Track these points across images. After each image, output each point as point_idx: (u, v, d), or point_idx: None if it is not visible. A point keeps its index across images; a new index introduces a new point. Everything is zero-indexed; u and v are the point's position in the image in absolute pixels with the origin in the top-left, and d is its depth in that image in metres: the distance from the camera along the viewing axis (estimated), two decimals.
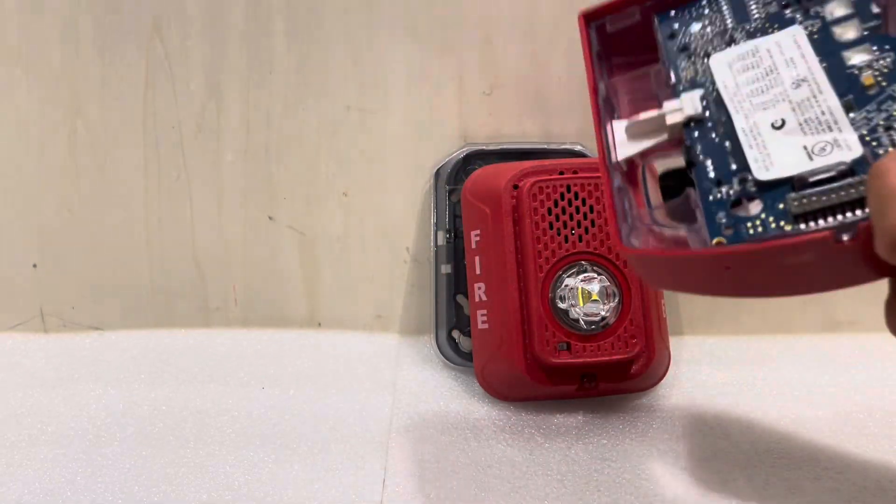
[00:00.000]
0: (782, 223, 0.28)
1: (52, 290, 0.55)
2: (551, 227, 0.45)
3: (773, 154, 0.29)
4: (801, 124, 0.29)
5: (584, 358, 0.45)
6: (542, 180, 0.46)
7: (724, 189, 0.29)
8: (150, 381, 0.50)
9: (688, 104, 0.31)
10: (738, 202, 0.29)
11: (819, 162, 0.28)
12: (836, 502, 0.40)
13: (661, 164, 0.34)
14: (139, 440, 0.44)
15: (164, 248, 0.54)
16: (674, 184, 0.32)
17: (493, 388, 0.48)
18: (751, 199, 0.29)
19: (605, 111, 0.33)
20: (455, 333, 0.52)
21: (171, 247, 0.54)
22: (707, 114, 0.31)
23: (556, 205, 0.46)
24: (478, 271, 0.47)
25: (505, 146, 0.52)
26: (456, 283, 0.52)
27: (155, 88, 0.53)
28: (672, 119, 0.31)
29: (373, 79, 0.53)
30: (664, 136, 0.32)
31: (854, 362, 0.52)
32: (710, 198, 0.29)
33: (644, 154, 0.33)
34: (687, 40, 0.33)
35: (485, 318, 0.47)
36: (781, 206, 0.28)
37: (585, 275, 0.45)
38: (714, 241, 0.28)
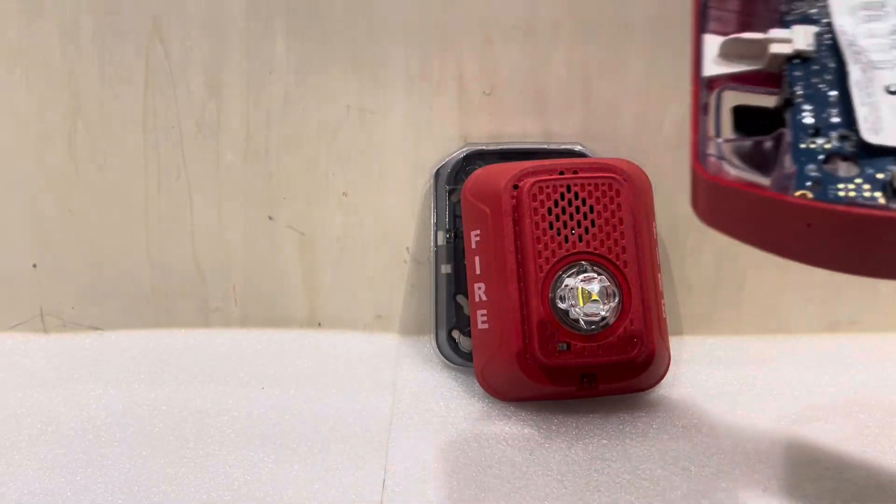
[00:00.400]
0: (878, 195, 0.26)
1: (51, 290, 0.55)
2: (551, 227, 0.45)
3: (885, 119, 0.27)
4: None
5: (584, 358, 0.45)
6: (542, 180, 0.46)
7: (819, 141, 0.27)
8: (150, 381, 0.50)
9: (799, 37, 0.29)
10: (830, 158, 0.27)
11: None
12: (837, 502, 0.40)
13: (739, 98, 0.31)
14: (139, 440, 0.44)
15: (164, 248, 0.54)
16: (747, 123, 0.30)
17: (493, 388, 0.48)
18: (847, 159, 0.27)
19: (703, 18, 0.31)
20: (455, 333, 0.52)
21: (170, 247, 0.54)
22: (818, 53, 0.29)
23: (556, 205, 0.45)
24: (478, 271, 0.47)
25: (505, 146, 0.52)
26: (456, 283, 0.52)
27: (155, 88, 0.53)
28: (777, 48, 0.29)
29: (373, 79, 0.53)
30: (761, 65, 0.30)
31: (854, 362, 0.52)
32: (803, 145, 0.27)
33: (732, 78, 0.30)
34: None
35: (485, 318, 0.47)
36: (881, 175, 0.26)
37: (585, 275, 0.45)
38: (798, 192, 0.26)
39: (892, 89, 0.27)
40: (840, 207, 0.25)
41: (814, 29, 0.29)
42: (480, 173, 0.49)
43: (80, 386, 0.49)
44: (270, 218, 0.54)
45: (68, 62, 0.52)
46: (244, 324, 0.55)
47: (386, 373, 0.51)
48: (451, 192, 0.52)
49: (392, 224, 0.54)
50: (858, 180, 0.26)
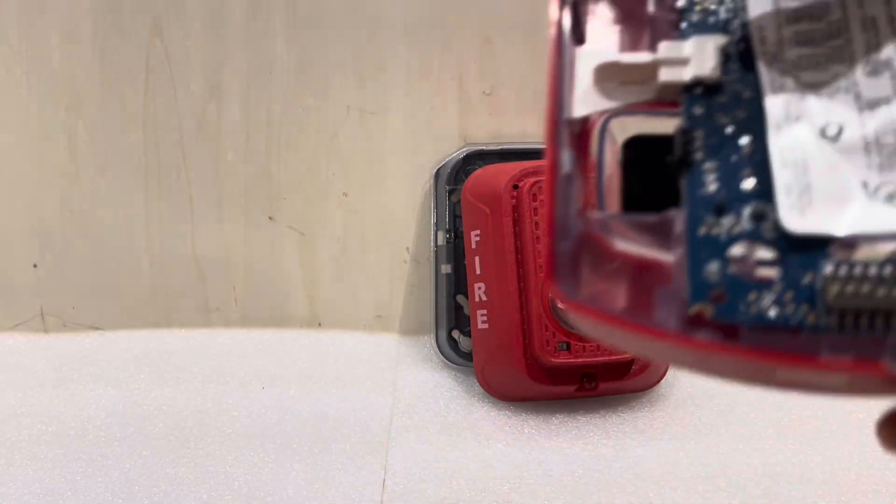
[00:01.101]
0: (805, 311, 0.18)
1: (52, 290, 0.55)
2: None
3: (817, 187, 0.19)
4: (868, 142, 0.19)
5: (584, 358, 0.45)
6: (542, 180, 0.46)
7: (725, 223, 0.19)
8: (150, 381, 0.50)
9: (698, 54, 0.21)
10: (742, 245, 0.19)
11: (890, 218, 0.18)
12: (836, 502, 0.40)
13: (633, 124, 0.23)
14: (139, 440, 0.44)
15: (165, 248, 0.54)
16: (645, 161, 0.22)
17: (493, 388, 0.48)
18: (765, 248, 0.19)
19: (570, 26, 0.22)
20: (455, 333, 0.52)
21: (171, 247, 0.54)
22: (726, 77, 0.21)
23: None
24: (478, 271, 0.47)
25: (505, 146, 0.52)
26: (456, 283, 0.52)
27: (155, 88, 0.52)
28: (668, 75, 0.21)
29: (373, 79, 0.53)
30: (649, 95, 0.21)
31: None
32: (701, 231, 0.19)
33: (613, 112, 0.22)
34: None
35: (485, 318, 0.47)
36: (808, 279, 0.18)
37: None
38: (693, 308, 0.19)
39: (830, 132, 0.19)
40: (747, 352, 0.18)
41: (720, 39, 0.21)
42: (480, 173, 0.49)
43: (81, 386, 0.49)
44: (271, 218, 0.54)
45: (69, 62, 0.52)
46: (244, 324, 0.55)
47: (386, 373, 0.51)
48: (451, 193, 0.52)
49: (392, 224, 0.54)
50: (779, 286, 0.18)
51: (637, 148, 0.22)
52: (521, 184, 0.46)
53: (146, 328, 0.55)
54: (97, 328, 0.55)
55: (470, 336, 0.50)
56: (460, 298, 0.52)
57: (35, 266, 0.54)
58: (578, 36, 0.22)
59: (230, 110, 0.53)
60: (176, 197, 0.54)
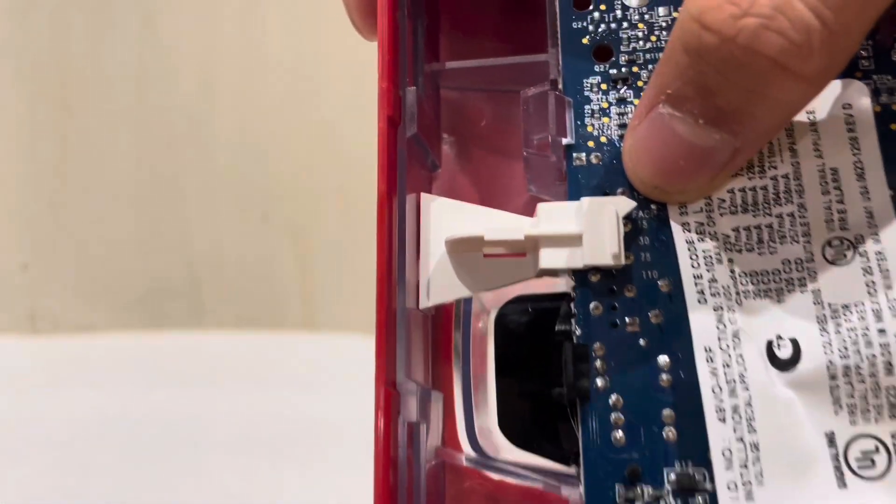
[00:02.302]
0: None
1: (42, 291, 0.54)
2: None
3: (766, 449, 0.14)
4: (835, 371, 0.14)
5: None
6: None
7: (639, 492, 0.14)
8: (142, 384, 0.49)
9: (591, 230, 0.15)
10: None
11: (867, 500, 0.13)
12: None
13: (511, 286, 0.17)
14: (131, 445, 0.44)
15: (157, 249, 0.54)
16: (526, 334, 0.17)
17: None
18: None
19: (407, 143, 0.17)
20: None
21: (164, 247, 0.54)
22: (632, 263, 0.15)
23: None
24: None
25: None
26: None
27: (148, 85, 0.52)
28: (550, 261, 0.15)
29: (372, 77, 0.52)
30: (528, 272, 0.16)
31: None
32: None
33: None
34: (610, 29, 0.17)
35: None
36: None
37: None
38: None
39: (781, 353, 0.14)
40: None
41: (626, 205, 0.15)
42: None
43: (71, 389, 0.49)
44: (266, 218, 0.54)
45: (59, 58, 0.52)
46: (239, 325, 0.55)
47: None
48: None
49: None
50: None
51: (515, 314, 0.17)
52: None
53: (139, 330, 0.54)
54: (88, 330, 0.55)
55: None
56: None
57: (25, 266, 0.54)
58: (420, 152, 0.18)
59: (225, 108, 0.53)
60: (169, 196, 0.54)
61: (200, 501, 0.40)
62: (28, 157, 0.53)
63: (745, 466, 0.14)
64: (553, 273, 0.16)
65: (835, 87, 0.15)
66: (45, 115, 0.53)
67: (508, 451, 0.18)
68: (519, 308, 0.18)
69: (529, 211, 0.16)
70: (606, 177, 0.16)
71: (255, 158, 0.53)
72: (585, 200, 0.15)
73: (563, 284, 0.16)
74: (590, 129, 0.16)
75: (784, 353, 0.14)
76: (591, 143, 0.16)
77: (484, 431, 0.18)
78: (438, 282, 0.16)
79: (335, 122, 0.53)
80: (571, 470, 0.16)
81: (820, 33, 0.13)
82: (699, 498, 0.14)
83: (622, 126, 0.16)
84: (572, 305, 0.15)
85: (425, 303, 0.16)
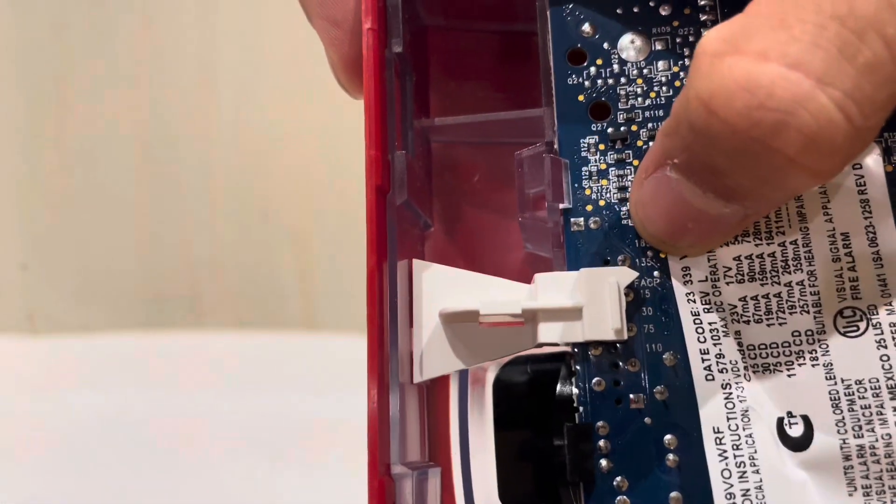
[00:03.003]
0: None
1: (41, 292, 0.54)
2: None
3: None
4: (849, 453, 0.14)
5: None
6: None
7: None
8: (141, 384, 0.49)
9: (591, 306, 0.15)
10: None
11: None
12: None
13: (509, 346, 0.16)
14: (130, 445, 0.44)
15: (156, 249, 0.54)
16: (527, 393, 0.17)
17: None
18: None
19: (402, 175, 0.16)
20: None
21: (163, 247, 0.54)
22: (634, 336, 0.15)
23: None
24: None
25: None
26: None
27: (147, 85, 0.52)
28: (549, 335, 0.15)
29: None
30: (526, 346, 0.16)
31: None
32: None
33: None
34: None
35: None
36: None
37: None
38: None
39: (793, 431, 0.14)
40: None
41: (627, 275, 0.15)
42: None
43: (70, 390, 0.48)
44: (265, 217, 0.54)
45: (57, 58, 0.52)
46: (238, 326, 0.55)
47: None
48: None
49: None
50: None
51: (514, 375, 0.17)
52: None
53: (137, 330, 0.54)
54: (87, 330, 0.54)
55: None
56: None
57: (24, 267, 0.54)
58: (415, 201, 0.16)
59: (224, 107, 0.53)
60: (168, 196, 0.53)
61: (200, 501, 0.39)
62: (28, 157, 0.53)
63: None
64: (553, 344, 0.15)
65: None
66: (44, 116, 0.53)
67: None
68: (517, 370, 0.17)
69: (525, 268, 0.16)
70: (606, 242, 0.15)
71: (255, 159, 0.53)
72: (584, 271, 0.15)
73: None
74: (588, 192, 0.16)
75: (795, 431, 0.14)
76: (589, 207, 0.16)
77: (484, 502, 0.18)
78: (433, 355, 0.16)
79: (335, 122, 0.53)
80: None
81: (845, 130, 0.12)
82: None
83: (622, 188, 0.16)
84: (574, 384, 0.15)
85: (419, 377, 0.16)
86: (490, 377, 0.17)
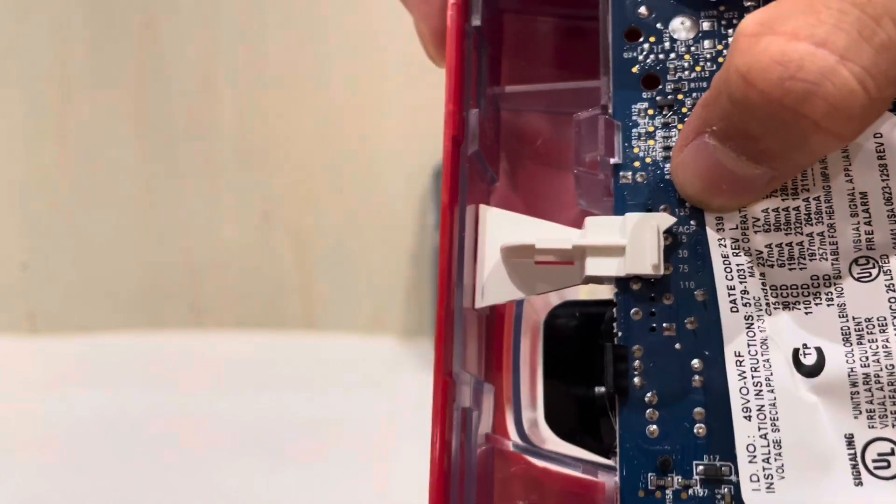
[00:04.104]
0: None
1: (41, 292, 0.54)
2: None
3: (788, 447, 0.15)
4: (856, 378, 0.15)
5: None
6: None
7: (669, 481, 0.16)
8: (141, 384, 0.49)
9: (634, 243, 0.17)
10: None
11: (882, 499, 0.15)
12: None
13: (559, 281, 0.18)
14: (130, 445, 0.44)
15: (156, 249, 0.54)
16: (573, 334, 0.19)
17: None
18: None
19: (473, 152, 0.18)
20: None
21: (163, 247, 0.54)
22: (671, 274, 0.17)
23: None
24: None
25: None
26: None
27: (148, 86, 0.52)
28: (596, 268, 0.17)
29: (372, 77, 0.52)
30: (575, 279, 0.18)
31: None
32: (640, 492, 0.16)
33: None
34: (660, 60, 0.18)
35: None
36: None
37: None
38: None
39: (806, 360, 0.15)
40: None
41: (665, 220, 0.17)
42: None
43: (70, 389, 0.48)
44: (266, 218, 0.54)
45: (59, 59, 0.52)
46: (238, 326, 0.55)
47: (384, 376, 0.50)
48: None
49: (391, 224, 0.54)
50: None
51: (564, 317, 0.19)
52: None
53: (138, 330, 0.54)
54: (87, 330, 0.54)
55: None
56: None
57: (25, 267, 0.54)
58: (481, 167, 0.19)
59: (225, 108, 0.53)
60: (169, 196, 0.53)
61: (200, 501, 0.39)
62: (28, 157, 0.53)
63: (768, 461, 0.15)
64: (598, 280, 0.17)
65: None
66: (45, 115, 0.52)
67: (552, 443, 0.19)
68: (567, 312, 0.20)
69: (578, 223, 0.18)
70: (650, 194, 0.17)
71: (256, 158, 0.53)
72: (629, 216, 0.17)
73: (607, 292, 0.18)
74: (636, 150, 0.18)
75: (809, 360, 0.15)
76: (636, 164, 0.18)
77: (531, 423, 0.20)
78: (493, 285, 0.18)
79: (336, 122, 0.53)
80: (610, 462, 0.18)
81: (862, 100, 0.14)
82: (724, 488, 0.15)
83: (666, 149, 0.18)
84: (615, 311, 0.17)
85: (480, 303, 0.18)
86: (543, 316, 0.20)
